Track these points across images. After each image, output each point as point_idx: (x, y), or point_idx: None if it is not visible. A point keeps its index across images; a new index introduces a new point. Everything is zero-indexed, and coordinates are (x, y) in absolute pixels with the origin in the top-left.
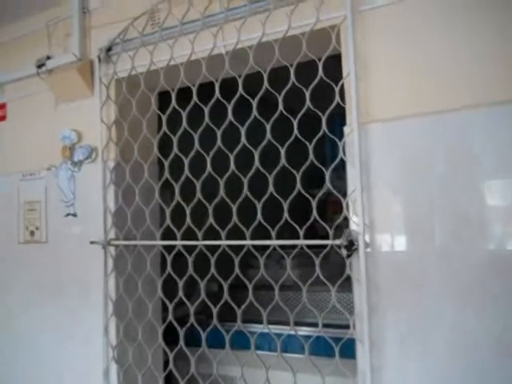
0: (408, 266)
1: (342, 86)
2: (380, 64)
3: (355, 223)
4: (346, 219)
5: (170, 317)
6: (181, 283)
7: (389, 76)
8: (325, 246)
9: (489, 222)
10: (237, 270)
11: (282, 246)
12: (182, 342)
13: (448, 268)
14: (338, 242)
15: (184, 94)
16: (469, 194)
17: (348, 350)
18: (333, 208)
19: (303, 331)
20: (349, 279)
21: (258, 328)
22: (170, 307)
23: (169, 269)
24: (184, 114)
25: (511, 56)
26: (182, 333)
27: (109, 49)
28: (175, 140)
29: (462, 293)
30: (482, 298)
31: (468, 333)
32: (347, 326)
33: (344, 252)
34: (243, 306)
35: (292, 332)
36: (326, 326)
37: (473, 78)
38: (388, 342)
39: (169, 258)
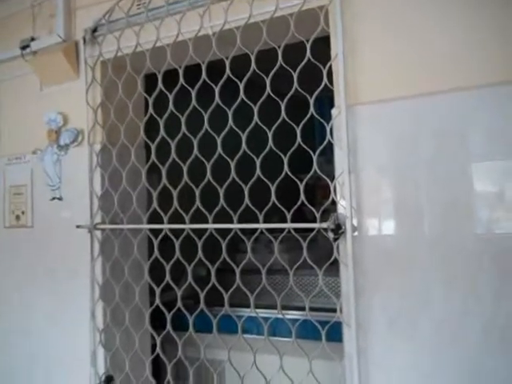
0: (396, 249)
1: (331, 68)
2: (369, 45)
3: (343, 206)
4: (335, 203)
5: (157, 301)
6: (168, 267)
7: (377, 57)
8: (312, 230)
9: (477, 205)
10: (224, 254)
11: (271, 231)
12: (169, 326)
13: (436, 251)
14: (325, 225)
15: (171, 77)
16: (457, 177)
17: (335, 333)
18: (322, 193)
19: (291, 315)
20: (337, 263)
21: (245, 312)
22: (157, 291)
23: (156, 253)
24: (170, 97)
25: (502, 37)
26: (169, 317)
27: (94, 30)
28: (162, 123)
29: (450, 276)
30: (470, 281)
31: (456, 317)
32: (335, 310)
33: (331, 235)
34: (230, 290)
35: (279, 316)
36: (313, 309)
37: (462, 60)
38: (375, 325)
39: (156, 242)
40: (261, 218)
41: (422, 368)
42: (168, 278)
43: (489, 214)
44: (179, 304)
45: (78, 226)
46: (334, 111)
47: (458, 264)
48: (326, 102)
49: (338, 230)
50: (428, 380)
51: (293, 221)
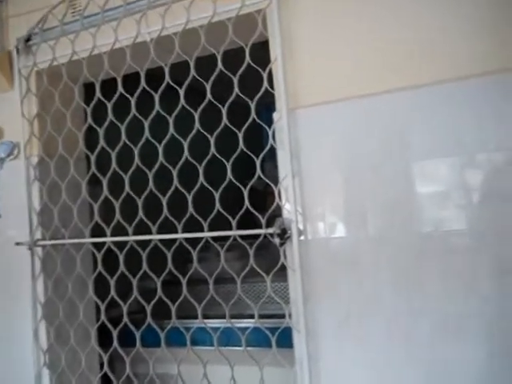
0: (343, 252)
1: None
2: (308, 48)
3: (287, 211)
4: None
5: (103, 317)
6: (112, 282)
7: (317, 60)
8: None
9: (421, 204)
10: (170, 265)
11: (221, 239)
12: (115, 343)
13: (383, 252)
14: (270, 230)
15: (111, 86)
16: (401, 177)
17: (286, 339)
18: (272, 198)
19: (242, 323)
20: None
21: (195, 323)
22: (102, 307)
23: (99, 267)
24: (109, 106)
25: (440, 37)
26: (115, 333)
27: (27, 39)
28: (101, 133)
29: (398, 277)
30: (417, 281)
31: (406, 316)
32: (285, 316)
33: (277, 240)
34: (177, 302)
35: (229, 325)
36: (267, 316)
37: (402, 60)
38: (325, 330)
39: (99, 256)
40: (206, 226)
41: (374, 369)
42: (113, 292)
43: (433, 213)
44: (125, 319)
45: (17, 244)
46: (275, 115)
47: (405, 263)
48: (273, 107)
49: (284, 234)
50: (380, 381)
51: (243, 228)
